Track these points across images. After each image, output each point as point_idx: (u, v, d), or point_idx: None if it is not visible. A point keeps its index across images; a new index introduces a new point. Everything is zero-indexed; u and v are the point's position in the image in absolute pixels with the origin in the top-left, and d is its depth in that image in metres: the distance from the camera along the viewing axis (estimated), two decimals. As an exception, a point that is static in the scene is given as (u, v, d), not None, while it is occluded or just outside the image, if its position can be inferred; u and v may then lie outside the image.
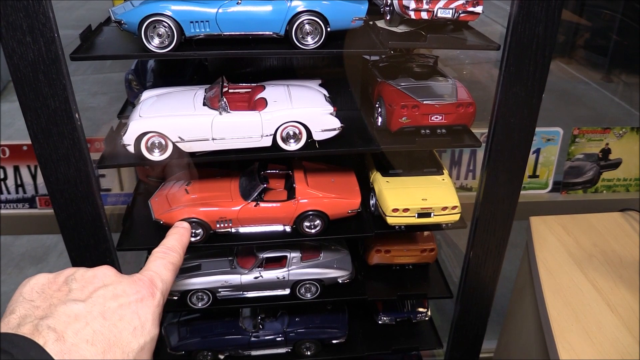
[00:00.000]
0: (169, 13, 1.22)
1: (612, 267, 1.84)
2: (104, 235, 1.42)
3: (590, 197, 2.48)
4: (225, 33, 1.28)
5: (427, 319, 1.97)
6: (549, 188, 2.46)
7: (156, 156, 1.36)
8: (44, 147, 1.26)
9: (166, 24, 1.23)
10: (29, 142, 1.99)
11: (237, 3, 1.25)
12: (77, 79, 1.27)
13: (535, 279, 1.79)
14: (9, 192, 2.16)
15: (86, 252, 1.44)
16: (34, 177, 2.15)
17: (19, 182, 2.15)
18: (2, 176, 2.14)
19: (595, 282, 1.77)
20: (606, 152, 2.43)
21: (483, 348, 2.89)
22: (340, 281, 1.70)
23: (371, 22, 1.46)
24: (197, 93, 1.44)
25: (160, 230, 1.54)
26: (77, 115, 1.24)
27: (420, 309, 1.96)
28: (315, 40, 1.29)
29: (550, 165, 2.41)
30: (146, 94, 1.48)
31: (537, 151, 2.39)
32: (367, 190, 1.67)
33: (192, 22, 1.25)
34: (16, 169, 2.12)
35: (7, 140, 2.15)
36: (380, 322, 1.94)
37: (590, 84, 5.95)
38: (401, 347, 1.90)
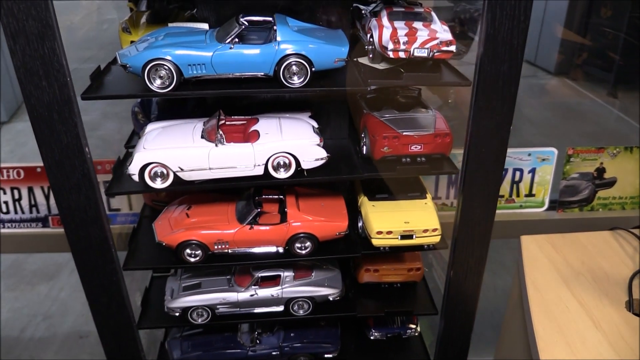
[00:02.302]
0: (169, 57, 1.37)
1: (599, 284, 1.90)
2: (110, 257, 1.55)
3: (586, 215, 2.54)
4: (220, 74, 1.42)
5: (416, 334, 2.07)
6: (546, 206, 2.52)
7: (158, 184, 1.50)
8: (57, 177, 1.40)
9: (167, 67, 1.37)
10: (42, 164, 2.14)
11: (230, 48, 1.39)
12: (88, 103, 1.40)
13: (524, 296, 1.87)
14: (23, 212, 2.26)
15: (94, 271, 1.57)
16: (47, 197, 2.24)
17: (32, 202, 2.25)
18: (17, 197, 2.24)
19: (582, 299, 1.83)
20: (601, 171, 2.49)
21: None
22: (331, 298, 1.81)
23: (355, 59, 1.59)
24: (197, 126, 1.58)
25: (163, 252, 1.68)
26: (87, 149, 1.38)
27: (410, 325, 2.06)
28: (301, 79, 1.43)
29: (546, 184, 2.48)
30: (150, 127, 1.62)
31: (533, 171, 2.46)
32: (355, 213, 1.79)
33: (190, 65, 1.39)
34: (30, 190, 2.22)
35: (22, 158, 2.26)
36: (371, 337, 2.04)
37: (596, 100, 6.02)
38: (391, 362, 2.00)
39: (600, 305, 1.78)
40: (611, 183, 2.53)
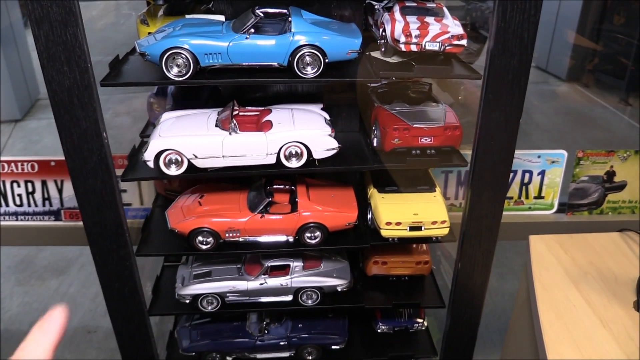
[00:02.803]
0: (186, 46, 1.40)
1: (607, 284, 1.90)
2: (124, 241, 1.59)
3: (595, 218, 2.52)
4: (235, 63, 1.46)
5: (423, 328, 2.08)
6: (555, 209, 2.51)
7: (173, 171, 1.53)
8: (75, 161, 1.44)
9: (184, 56, 1.41)
10: (56, 158, 2.18)
11: (246, 38, 1.43)
12: (103, 98, 1.44)
13: (532, 294, 1.88)
14: (36, 205, 2.29)
15: (109, 256, 1.61)
16: (60, 191, 2.27)
17: (46, 195, 2.27)
18: (30, 190, 2.26)
19: (589, 298, 1.84)
20: (611, 174, 2.48)
21: None
22: (339, 289, 1.84)
23: (367, 53, 1.62)
24: (211, 115, 1.61)
25: (175, 239, 1.71)
26: (104, 134, 1.42)
27: (417, 319, 2.08)
28: (315, 70, 1.46)
29: (556, 186, 2.47)
30: (165, 116, 1.66)
31: (542, 173, 2.45)
32: (365, 205, 1.81)
33: (206, 54, 1.42)
34: (44, 183, 2.26)
35: (35, 155, 2.30)
36: (378, 330, 2.06)
37: (607, 107, 6.01)
38: (397, 355, 2.01)
39: (608, 305, 1.78)
40: (621, 187, 2.51)
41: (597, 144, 5.19)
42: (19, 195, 2.26)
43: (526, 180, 2.41)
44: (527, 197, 2.46)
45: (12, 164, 2.20)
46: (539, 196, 2.50)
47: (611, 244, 2.16)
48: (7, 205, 2.27)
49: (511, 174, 2.37)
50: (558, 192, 2.48)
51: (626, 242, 2.19)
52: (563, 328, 1.68)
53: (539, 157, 2.38)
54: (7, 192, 2.24)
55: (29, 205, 2.28)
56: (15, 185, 2.24)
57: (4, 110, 5.56)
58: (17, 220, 2.29)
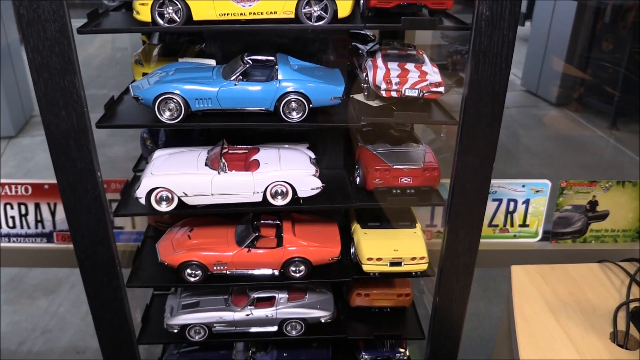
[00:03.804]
0: (178, 92, 1.49)
1: (585, 315, 1.94)
2: (115, 274, 1.65)
3: (579, 246, 2.59)
4: (224, 107, 1.54)
5: (405, 358, 2.13)
6: (539, 237, 2.57)
7: (163, 207, 1.61)
8: (70, 199, 1.51)
9: (175, 101, 1.49)
10: (50, 181, 2.22)
11: (235, 84, 1.51)
12: (96, 115, 1.50)
13: (512, 324, 1.92)
14: (29, 227, 2.33)
15: (100, 288, 1.67)
16: (53, 214, 2.31)
17: (39, 218, 2.31)
18: (23, 212, 2.30)
19: (568, 329, 1.88)
20: (593, 204, 2.55)
21: None
22: (323, 320, 1.90)
23: (351, 96, 1.71)
24: (201, 154, 1.69)
25: (164, 271, 1.78)
26: (99, 174, 1.49)
27: (400, 349, 2.13)
28: (300, 114, 1.54)
29: (540, 215, 2.54)
30: (158, 153, 1.73)
31: (527, 202, 2.51)
32: (348, 239, 1.89)
33: (197, 99, 1.51)
34: (37, 206, 2.29)
35: (27, 173, 2.32)
36: None
37: (596, 132, 6.09)
38: (380, 384, 2.07)
39: (586, 336, 1.83)
40: (604, 216, 2.58)
41: (586, 169, 5.23)
42: (12, 217, 2.30)
43: (511, 208, 2.47)
44: (512, 225, 2.52)
45: (7, 187, 2.23)
46: (524, 224, 2.56)
47: (591, 275, 2.19)
48: None
49: (496, 203, 2.46)
50: (542, 220, 2.54)
51: (605, 273, 2.23)
52: (541, 358, 1.71)
53: (523, 186, 2.44)
54: (0, 214, 2.27)
55: (22, 227, 2.32)
56: (8, 207, 2.28)
57: (-1, 126, 5.60)
58: (9, 242, 2.33)
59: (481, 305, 3.79)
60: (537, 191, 2.51)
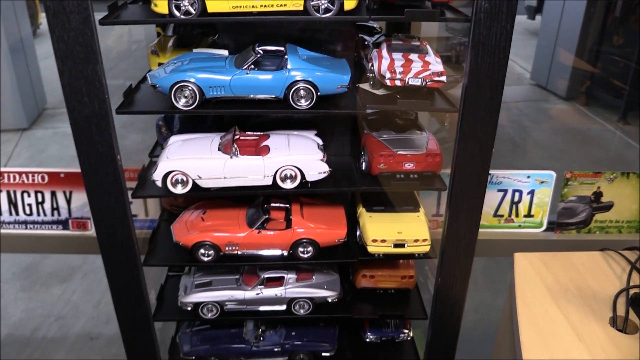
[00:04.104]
0: (193, 80, 1.57)
1: (585, 300, 1.97)
2: (134, 254, 1.75)
3: (583, 237, 2.63)
4: (237, 95, 1.62)
5: (409, 338, 2.22)
6: (544, 227, 2.60)
7: (179, 190, 1.70)
8: (92, 181, 1.61)
9: (191, 88, 1.58)
10: (66, 170, 2.31)
11: (247, 73, 1.60)
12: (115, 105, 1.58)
13: (513, 309, 1.96)
14: (45, 214, 2.40)
15: (119, 266, 1.77)
16: (68, 201, 2.38)
17: (54, 205, 2.38)
18: (40, 200, 2.38)
19: (568, 314, 1.91)
20: (598, 195, 2.58)
21: None
22: (329, 300, 1.99)
23: (357, 85, 1.79)
24: (214, 140, 1.78)
25: (179, 251, 1.87)
26: (118, 157, 1.58)
27: (403, 330, 2.22)
28: (308, 102, 1.62)
29: (545, 205, 2.56)
30: (173, 139, 1.83)
31: (532, 192, 2.55)
32: (354, 223, 1.97)
33: (211, 87, 1.59)
34: (53, 194, 2.37)
35: (40, 164, 2.39)
36: (367, 339, 2.20)
37: (606, 126, 6.08)
38: (384, 363, 2.16)
39: (585, 320, 1.86)
40: (608, 207, 2.61)
41: (594, 163, 5.22)
42: (29, 204, 2.37)
43: (516, 199, 2.51)
44: (517, 216, 2.56)
45: (23, 175, 2.31)
46: (529, 215, 2.58)
47: (592, 262, 2.21)
48: (17, 214, 2.37)
49: (502, 193, 2.51)
50: (547, 211, 2.57)
51: (606, 261, 2.26)
52: (541, 341, 1.76)
53: (528, 177, 2.48)
54: (17, 202, 2.35)
55: (38, 214, 2.39)
56: (25, 195, 2.35)
57: (12, 119, 5.67)
58: (26, 229, 2.40)
59: (487, 297, 3.84)
60: (542, 182, 2.53)
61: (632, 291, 1.94)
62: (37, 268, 3.98)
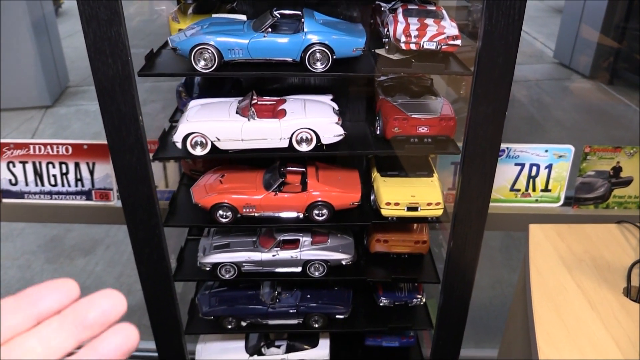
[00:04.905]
0: (212, 43, 1.62)
1: (599, 271, 1.99)
2: (155, 212, 1.82)
3: (601, 212, 2.61)
4: (254, 58, 1.66)
5: (422, 303, 2.27)
6: (561, 202, 2.58)
7: (198, 152, 1.76)
8: (115, 141, 1.67)
9: (210, 51, 1.62)
10: (89, 141, 2.38)
11: (264, 36, 1.63)
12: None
13: (527, 279, 1.99)
14: (69, 185, 2.45)
15: (141, 225, 1.84)
16: (91, 172, 2.42)
17: (78, 176, 2.42)
18: (64, 171, 2.42)
19: (581, 283, 1.93)
20: (617, 170, 2.55)
21: (487, 355, 3.04)
22: (344, 263, 2.04)
23: (373, 50, 1.81)
24: (232, 104, 1.82)
25: (198, 213, 1.94)
26: (140, 118, 1.64)
27: (417, 294, 2.26)
28: (324, 65, 1.66)
29: (562, 180, 2.54)
30: (193, 103, 1.88)
31: (550, 167, 2.52)
32: (369, 188, 2.01)
33: (229, 49, 1.64)
34: (76, 165, 2.41)
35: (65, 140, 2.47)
36: (380, 303, 2.25)
37: (630, 105, 6.00)
38: (396, 326, 2.21)
39: (598, 289, 1.88)
40: (627, 182, 2.58)
41: (616, 141, 5.19)
42: (54, 175, 2.41)
43: (533, 173, 2.49)
44: (534, 190, 2.54)
45: (48, 147, 2.36)
46: (546, 189, 2.56)
47: (607, 234, 2.22)
48: (42, 184, 2.43)
49: (519, 167, 2.51)
50: (565, 185, 2.54)
51: (622, 233, 2.26)
52: (553, 309, 1.79)
53: (546, 151, 2.46)
54: (42, 173, 2.40)
55: (63, 185, 2.43)
56: (50, 166, 2.39)
57: (36, 96, 5.77)
58: (51, 199, 2.46)
59: (503, 273, 3.87)
60: (560, 156, 2.50)
61: (647, 262, 1.95)
62: (61, 240, 4.12)
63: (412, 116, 1.78)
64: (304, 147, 1.77)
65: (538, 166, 2.50)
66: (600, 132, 5.50)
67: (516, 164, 2.49)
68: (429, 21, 1.71)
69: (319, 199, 1.88)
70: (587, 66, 6.43)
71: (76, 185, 2.44)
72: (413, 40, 1.66)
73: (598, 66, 6.37)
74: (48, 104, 5.91)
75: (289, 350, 2.32)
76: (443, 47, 1.67)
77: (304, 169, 1.96)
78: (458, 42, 1.67)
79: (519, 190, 2.55)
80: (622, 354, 1.61)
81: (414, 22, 1.71)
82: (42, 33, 5.67)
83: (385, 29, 1.79)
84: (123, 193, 1.77)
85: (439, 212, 1.89)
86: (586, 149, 2.50)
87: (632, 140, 5.31)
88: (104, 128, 1.66)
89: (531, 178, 2.53)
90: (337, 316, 2.19)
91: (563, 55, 6.70)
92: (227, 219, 1.90)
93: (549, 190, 2.60)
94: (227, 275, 2.05)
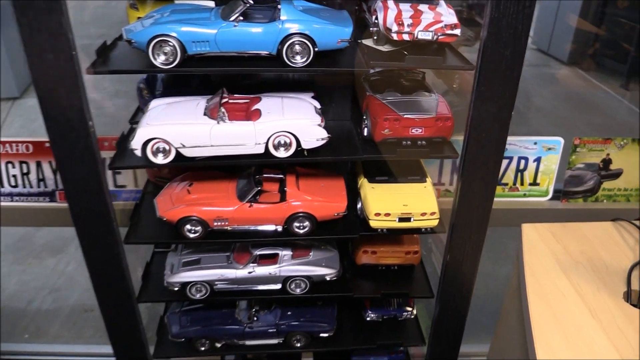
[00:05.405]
0: (174, 34, 1.38)
1: (597, 274, 1.91)
2: (111, 230, 1.58)
3: (590, 206, 2.54)
4: (223, 51, 1.43)
5: (412, 317, 2.10)
6: (550, 196, 2.51)
7: (160, 160, 1.52)
8: (61, 149, 1.43)
9: (171, 44, 1.39)
10: (49, 139, 2.17)
11: (235, 26, 1.40)
12: (98, 77, 1.43)
13: (522, 283, 1.88)
14: (31, 186, 2.29)
15: (96, 244, 1.61)
16: (54, 172, 2.26)
17: (41, 176, 2.26)
18: (25, 171, 2.26)
19: (579, 287, 1.84)
20: (607, 162, 2.48)
21: (477, 351, 2.95)
22: (328, 278, 1.85)
23: (359, 41, 1.60)
24: (200, 103, 1.60)
25: (164, 227, 1.71)
26: (90, 123, 1.40)
27: (407, 308, 2.09)
28: (304, 59, 1.44)
29: (551, 173, 2.47)
30: (154, 103, 1.64)
31: (538, 160, 2.45)
32: (355, 194, 1.81)
33: (194, 41, 1.41)
34: (38, 165, 2.24)
35: (32, 133, 2.29)
36: (367, 318, 2.08)
37: (609, 91, 5.97)
38: (386, 342, 2.03)
39: (598, 295, 1.78)
40: (617, 174, 2.51)
41: (596, 129, 5.17)
42: (14, 176, 2.26)
43: (522, 166, 2.41)
44: (522, 184, 2.47)
45: (7, 145, 2.19)
46: (534, 183, 2.50)
47: (604, 233, 2.14)
48: (2, 186, 2.26)
49: (507, 161, 2.38)
50: (553, 179, 2.48)
51: (619, 232, 2.18)
52: (551, 317, 1.68)
53: (535, 143, 2.37)
54: (2, 173, 2.24)
55: (24, 186, 2.28)
56: (10, 166, 2.24)
57: (3, 88, 5.54)
58: (12, 201, 2.30)
59: (487, 266, 3.76)
60: (549, 149, 2.43)
61: (647, 264, 1.84)
62: (30, 240, 3.93)
63: (405, 116, 1.58)
64: (282, 153, 1.55)
65: (527, 159, 2.41)
66: (582, 120, 5.46)
67: (504, 157, 2.37)
68: (424, 7, 1.51)
69: (300, 210, 1.67)
70: (566, 52, 6.39)
71: (38, 186, 2.28)
72: (406, 29, 1.46)
73: (576, 52, 6.34)
74: (16, 96, 5.69)
75: (269, 370, 2.13)
76: (440, 37, 1.47)
77: (282, 176, 1.75)
78: (457, 31, 1.47)
79: (506, 184, 2.45)
80: (626, 364, 1.50)
81: (406, 8, 1.50)
82: (9, 23, 5.39)
83: (374, 17, 1.57)
84: (74, 208, 1.53)
85: (435, 223, 1.70)
86: (576, 141, 2.40)
87: (615, 129, 5.28)
88: (48, 135, 1.41)
89: (519, 172, 2.44)
90: (321, 334, 2.01)
91: (542, 42, 6.66)
92: (197, 234, 1.68)
93: (538, 184, 2.52)
94: (198, 295, 1.84)
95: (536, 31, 6.76)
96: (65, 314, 3.20)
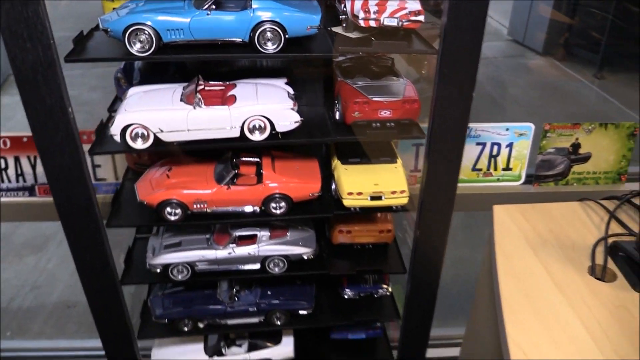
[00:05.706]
0: (148, 23, 1.44)
1: (564, 250, 1.96)
2: (94, 215, 1.63)
3: (561, 189, 2.61)
4: (197, 39, 1.49)
5: (388, 294, 2.18)
6: (522, 180, 2.58)
7: (139, 145, 1.58)
8: (42, 138, 1.47)
9: (146, 32, 1.44)
10: (29, 133, 2.17)
11: (207, 14, 1.46)
12: (77, 72, 1.47)
13: (493, 262, 1.93)
14: (9, 181, 2.27)
15: (79, 230, 1.66)
16: (33, 167, 2.25)
17: (19, 171, 2.25)
18: (3, 166, 2.25)
19: (547, 264, 1.90)
20: (576, 146, 2.55)
21: (454, 334, 3.02)
22: (305, 257, 1.92)
23: (329, 28, 1.67)
24: (176, 90, 1.65)
25: (144, 211, 1.77)
26: (70, 110, 1.45)
27: (382, 285, 2.17)
28: (275, 45, 1.50)
29: (523, 158, 2.53)
30: (132, 91, 1.69)
31: (510, 145, 2.50)
32: (329, 175, 1.88)
33: (168, 30, 1.46)
34: (17, 159, 2.24)
35: (10, 131, 2.29)
36: (345, 296, 2.15)
37: (582, 81, 6.07)
38: (363, 319, 2.11)
39: (565, 270, 1.84)
40: (586, 158, 2.59)
41: (570, 118, 5.27)
42: None
43: (495, 152, 2.47)
44: (495, 169, 2.53)
45: None
46: (507, 168, 2.56)
47: (571, 213, 2.20)
48: None
49: (480, 147, 2.45)
50: (525, 163, 2.54)
51: (585, 211, 2.24)
52: (521, 293, 1.74)
53: (507, 129, 2.43)
54: None
55: (2, 181, 2.27)
56: None
57: (-23, 86, 5.45)
58: None
59: (465, 252, 3.84)
60: (521, 134, 2.49)
61: (610, 240, 1.92)
62: (9, 238, 3.88)
63: (374, 99, 1.65)
64: (257, 136, 1.62)
65: (499, 145, 2.47)
66: (556, 108, 5.56)
67: (477, 144, 2.44)
68: (389, -5, 1.58)
69: (276, 191, 1.74)
70: (540, 43, 6.48)
71: (17, 181, 2.26)
72: (372, 16, 1.53)
73: (551, 43, 6.44)
74: (-11, 94, 5.62)
75: (251, 348, 2.19)
76: (405, 23, 1.55)
77: (258, 160, 1.81)
78: (421, 17, 1.55)
79: (480, 169, 2.51)
80: (590, 334, 1.55)
81: (372, -4, 1.57)
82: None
83: (342, 5, 1.65)
84: (57, 197, 1.58)
85: (405, 201, 1.78)
86: (546, 127, 2.47)
87: (588, 116, 5.39)
88: (29, 123, 1.46)
89: (492, 157, 2.50)
90: (300, 312, 2.08)
91: (517, 33, 6.73)
92: (177, 217, 1.74)
93: (510, 169, 2.58)
94: (179, 277, 1.90)
95: (512, 22, 6.85)
96: (48, 310, 3.20)
